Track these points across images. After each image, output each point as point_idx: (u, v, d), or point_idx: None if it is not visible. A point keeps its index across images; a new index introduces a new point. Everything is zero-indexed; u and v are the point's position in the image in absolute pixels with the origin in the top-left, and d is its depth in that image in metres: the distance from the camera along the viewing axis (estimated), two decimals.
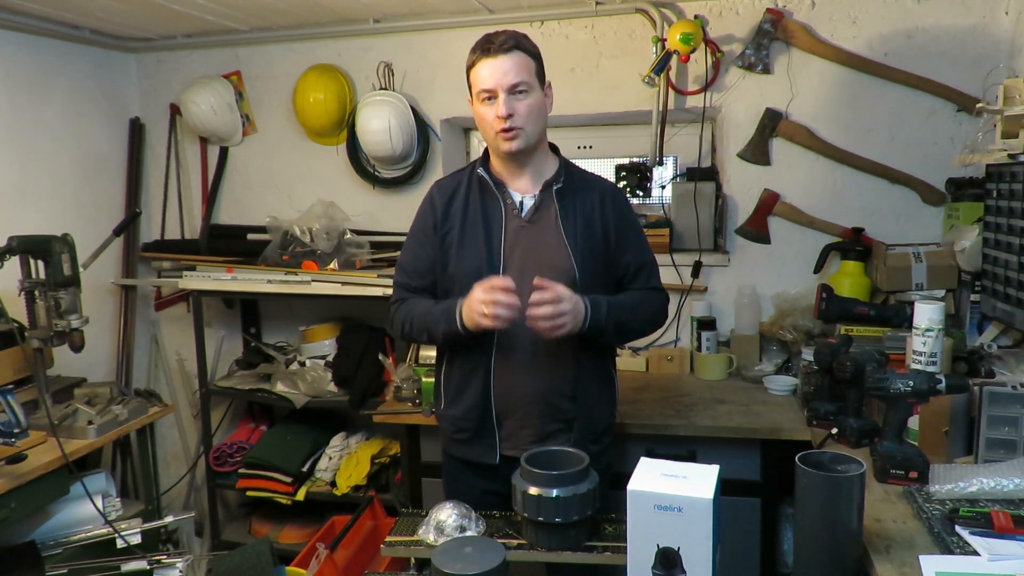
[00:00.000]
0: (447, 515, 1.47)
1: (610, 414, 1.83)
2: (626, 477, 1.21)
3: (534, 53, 1.66)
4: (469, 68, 1.66)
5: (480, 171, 1.73)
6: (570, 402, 1.72)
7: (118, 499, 2.30)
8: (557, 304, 1.54)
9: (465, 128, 3.12)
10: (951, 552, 1.27)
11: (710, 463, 1.26)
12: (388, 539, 1.50)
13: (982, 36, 2.39)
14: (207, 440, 2.97)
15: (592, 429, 1.74)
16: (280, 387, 2.81)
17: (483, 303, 1.53)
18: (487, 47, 1.61)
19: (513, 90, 1.61)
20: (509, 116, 1.60)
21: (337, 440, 2.91)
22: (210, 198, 3.19)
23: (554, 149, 1.80)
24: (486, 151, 1.77)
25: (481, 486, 1.75)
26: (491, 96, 1.62)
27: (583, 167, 1.86)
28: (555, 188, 1.72)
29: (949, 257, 2.29)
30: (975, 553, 1.26)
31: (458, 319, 1.61)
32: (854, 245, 2.51)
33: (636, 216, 1.85)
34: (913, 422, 1.74)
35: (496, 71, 1.60)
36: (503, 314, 1.52)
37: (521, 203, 1.72)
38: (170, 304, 3.30)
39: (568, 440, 1.68)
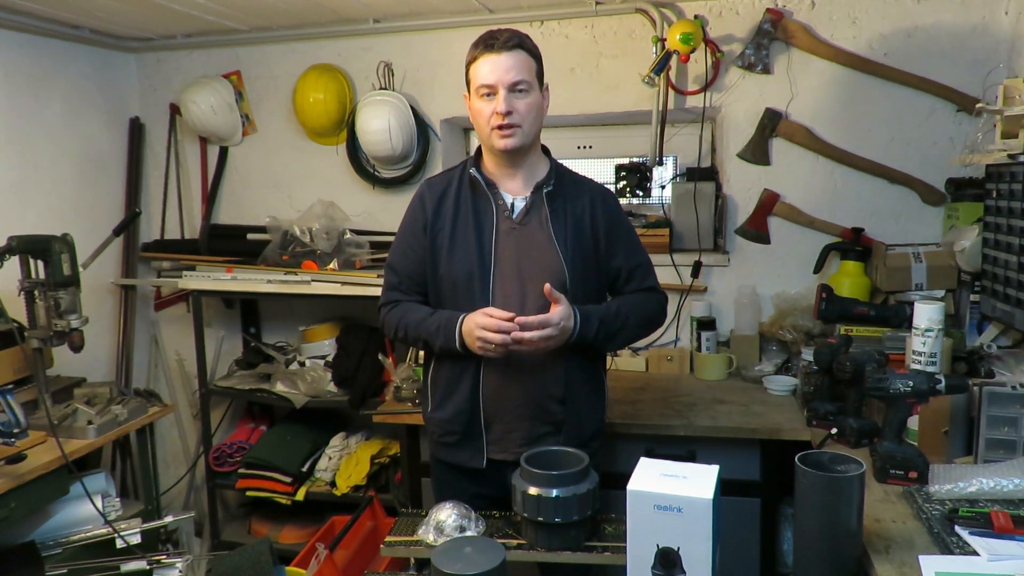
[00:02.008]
0: (447, 515, 1.47)
1: (599, 418, 1.81)
2: (625, 477, 1.21)
3: (536, 54, 1.67)
4: (469, 63, 1.65)
5: (472, 171, 1.72)
6: (559, 405, 1.70)
7: (118, 499, 2.30)
8: (543, 330, 1.56)
9: (465, 128, 3.12)
10: (951, 552, 1.27)
11: (710, 463, 1.26)
12: (388, 539, 1.50)
13: (982, 36, 2.39)
14: (207, 440, 2.97)
15: (581, 433, 1.73)
16: (280, 387, 2.81)
17: (479, 338, 1.57)
18: (491, 43, 1.61)
19: (514, 88, 1.61)
20: (508, 113, 1.60)
21: (337, 440, 2.91)
22: (210, 198, 3.19)
23: (545, 151, 1.80)
24: (478, 150, 1.76)
25: (470, 490, 1.74)
26: (491, 92, 1.61)
27: (581, 167, 1.86)
28: (546, 190, 1.71)
29: (949, 257, 2.29)
30: (975, 553, 1.26)
31: (457, 339, 1.62)
32: (854, 245, 2.51)
33: (627, 218, 1.84)
34: (913, 422, 1.74)
35: (498, 67, 1.60)
36: (494, 352, 1.58)
37: (512, 205, 1.72)
38: (170, 304, 3.31)
39: (557, 444, 1.65)
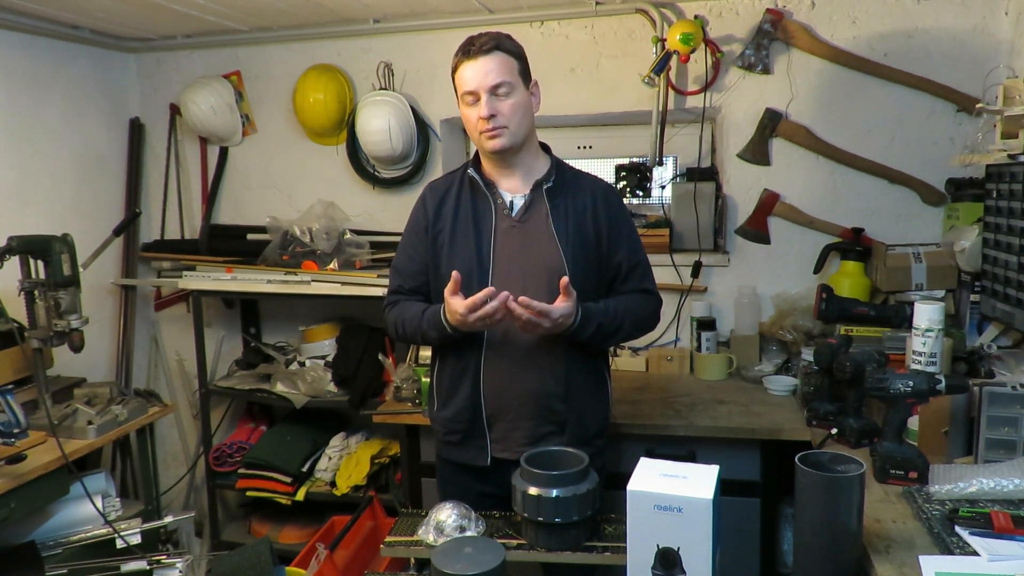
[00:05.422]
0: (447, 515, 1.47)
1: (603, 416, 1.81)
2: (625, 477, 1.21)
3: (516, 53, 1.66)
4: (453, 71, 1.67)
5: (471, 172, 1.73)
6: (562, 403, 1.70)
7: (118, 499, 2.30)
8: (539, 316, 1.55)
9: (465, 128, 3.12)
10: (951, 552, 1.27)
11: (710, 463, 1.26)
12: (388, 539, 1.50)
13: (982, 36, 2.39)
14: (207, 440, 2.97)
15: (585, 432, 1.73)
16: (280, 387, 2.81)
17: (474, 323, 1.56)
18: (468, 49, 1.62)
19: (495, 91, 1.61)
20: (492, 116, 1.61)
21: (337, 440, 2.91)
22: (210, 198, 3.19)
23: (546, 149, 1.80)
24: (478, 152, 1.77)
25: (475, 488, 1.74)
26: (474, 98, 1.63)
27: (580, 167, 1.85)
28: (545, 187, 1.71)
29: (949, 257, 2.29)
30: (975, 553, 1.26)
31: (446, 325, 1.62)
32: (854, 245, 2.51)
33: (629, 216, 1.84)
34: (913, 422, 1.74)
35: (477, 72, 1.61)
36: (492, 322, 1.57)
37: (511, 203, 1.72)
38: (170, 304, 3.31)
39: (561, 443, 1.65)
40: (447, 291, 1.58)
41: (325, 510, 2.78)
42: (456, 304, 1.56)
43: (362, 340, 2.85)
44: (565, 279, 1.57)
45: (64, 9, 2.58)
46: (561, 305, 1.58)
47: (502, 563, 1.17)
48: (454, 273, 1.57)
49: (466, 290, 1.66)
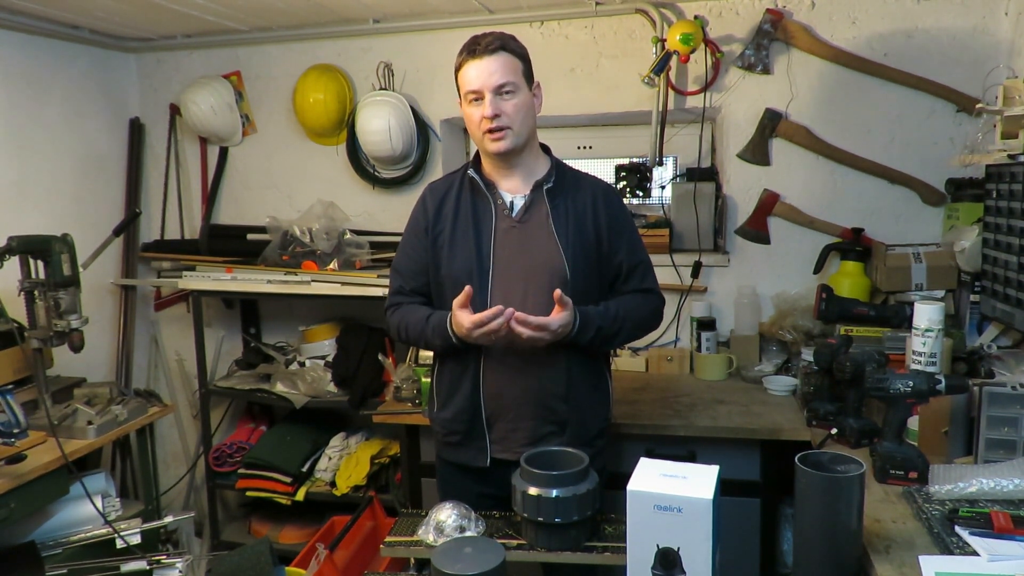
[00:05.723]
0: (447, 515, 1.47)
1: (604, 417, 1.81)
2: (625, 477, 1.21)
3: (520, 53, 1.67)
4: (457, 70, 1.67)
5: (471, 172, 1.73)
6: (563, 404, 1.70)
7: (118, 499, 2.31)
8: (537, 331, 1.56)
9: (465, 128, 3.12)
10: (951, 552, 1.28)
11: (710, 463, 1.26)
12: (388, 539, 1.50)
13: (982, 36, 2.39)
14: (207, 440, 2.98)
15: (585, 432, 1.73)
16: (280, 387, 2.81)
17: (477, 336, 1.56)
18: (473, 48, 1.62)
19: (499, 91, 1.62)
20: (496, 116, 1.61)
21: (337, 440, 2.91)
22: (210, 198, 3.19)
23: (546, 150, 1.80)
24: (478, 152, 1.77)
25: (475, 489, 1.74)
26: (478, 97, 1.63)
27: (581, 167, 1.86)
28: (546, 188, 1.71)
29: (949, 257, 2.29)
30: (975, 553, 1.26)
31: (452, 335, 1.63)
32: (854, 245, 2.51)
33: (630, 216, 1.84)
34: (913, 422, 1.74)
35: (482, 72, 1.61)
36: (497, 338, 1.58)
37: (511, 203, 1.72)
38: (170, 304, 3.31)
39: (561, 443, 1.65)
40: (456, 303, 1.58)
41: (325, 510, 2.78)
42: (463, 319, 1.57)
43: (362, 340, 2.85)
44: (559, 291, 1.57)
45: (64, 9, 2.58)
46: (558, 316, 1.58)
47: (502, 563, 1.17)
48: (467, 288, 1.57)
49: (467, 286, 1.66)
